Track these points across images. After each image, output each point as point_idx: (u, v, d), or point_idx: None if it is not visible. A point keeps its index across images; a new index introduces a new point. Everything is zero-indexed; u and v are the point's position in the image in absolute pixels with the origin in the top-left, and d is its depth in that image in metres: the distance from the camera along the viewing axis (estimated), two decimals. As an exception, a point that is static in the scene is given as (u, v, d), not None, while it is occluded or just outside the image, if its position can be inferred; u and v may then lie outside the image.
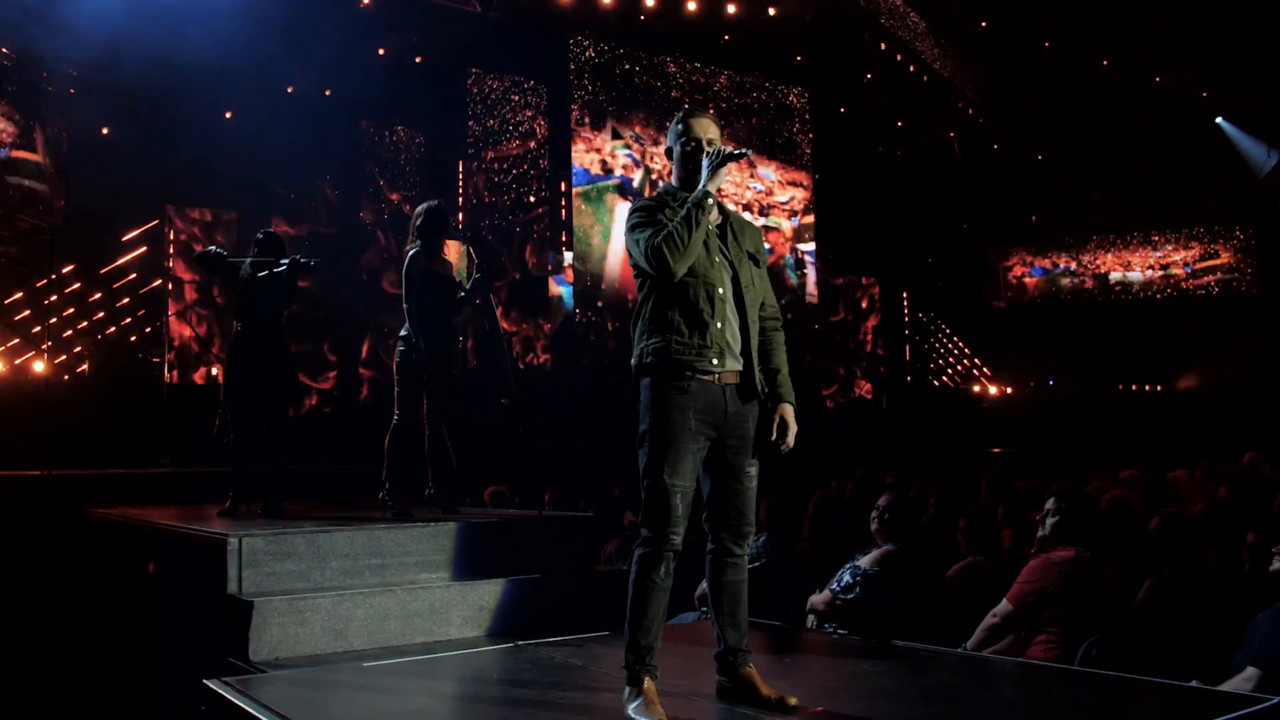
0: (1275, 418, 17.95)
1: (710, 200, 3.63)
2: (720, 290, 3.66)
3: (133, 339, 14.13)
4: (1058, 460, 13.17)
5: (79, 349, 13.17)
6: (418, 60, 16.32)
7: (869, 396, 21.42)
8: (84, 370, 12.53)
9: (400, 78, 15.73)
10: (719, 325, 3.63)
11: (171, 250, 14.55)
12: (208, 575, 5.07)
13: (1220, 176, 20.37)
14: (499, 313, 7.96)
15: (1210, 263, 23.07)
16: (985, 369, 22.43)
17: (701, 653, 4.27)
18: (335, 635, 4.83)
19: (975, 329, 22.65)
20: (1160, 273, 23.50)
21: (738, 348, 3.67)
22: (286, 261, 6.61)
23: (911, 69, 19.62)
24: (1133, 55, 17.97)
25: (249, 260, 6.66)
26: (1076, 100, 18.73)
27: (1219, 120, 19.53)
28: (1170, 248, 23.42)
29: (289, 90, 14.62)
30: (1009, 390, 22.29)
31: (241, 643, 4.66)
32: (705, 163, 3.68)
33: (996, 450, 18.10)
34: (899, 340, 21.96)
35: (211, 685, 3.98)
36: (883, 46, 18.84)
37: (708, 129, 3.80)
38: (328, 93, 14.98)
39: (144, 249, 14.41)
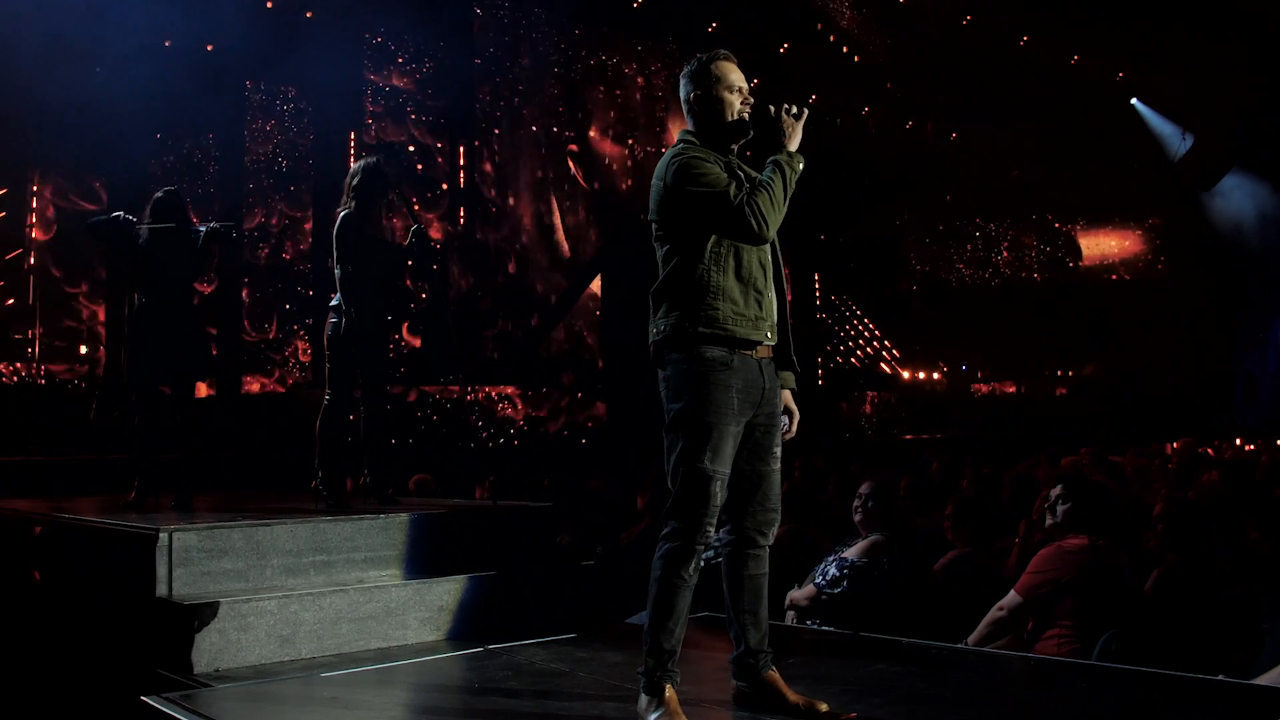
0: (1187, 404, 18.43)
1: (800, 163, 3.28)
2: (768, 257, 3.36)
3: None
4: (981, 445, 13.13)
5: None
6: (308, 15, 15.09)
7: None
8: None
9: (290, 34, 14.66)
10: (770, 295, 3.34)
11: (34, 220, 13.44)
12: (131, 575, 4.54)
13: (1134, 159, 20.53)
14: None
15: (1122, 247, 23.30)
16: (894, 351, 22.40)
17: (694, 654, 3.93)
18: (282, 642, 4.33)
19: (886, 312, 22.53)
20: (1071, 257, 23.64)
21: (775, 320, 3.36)
22: (204, 229, 5.99)
23: (832, 39, 19.18)
24: (1051, 33, 17.87)
25: (146, 224, 6.00)
26: (993, 78, 18.55)
27: (1134, 102, 19.76)
28: (1082, 231, 23.57)
29: (166, 44, 13.21)
30: (920, 375, 22.33)
31: (176, 652, 4.14)
32: (784, 119, 3.28)
33: (909, 436, 18.12)
34: (810, 322, 21.72)
35: (151, 702, 3.58)
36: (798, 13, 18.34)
37: (742, 76, 3.41)
38: (210, 48, 13.83)
39: (1, 214, 13.22)
